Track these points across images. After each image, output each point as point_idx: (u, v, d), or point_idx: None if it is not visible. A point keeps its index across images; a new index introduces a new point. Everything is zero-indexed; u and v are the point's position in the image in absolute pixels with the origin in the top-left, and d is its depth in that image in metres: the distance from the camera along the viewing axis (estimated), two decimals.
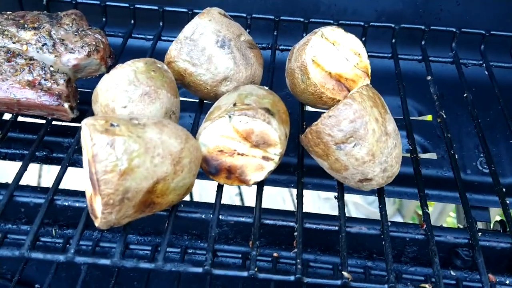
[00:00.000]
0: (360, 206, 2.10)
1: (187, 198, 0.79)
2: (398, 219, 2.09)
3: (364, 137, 0.55)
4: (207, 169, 0.58)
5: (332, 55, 0.66)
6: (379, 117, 0.56)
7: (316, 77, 0.64)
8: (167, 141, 0.51)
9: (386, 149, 0.56)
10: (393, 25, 0.83)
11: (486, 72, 0.80)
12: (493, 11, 0.91)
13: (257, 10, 0.87)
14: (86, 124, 0.50)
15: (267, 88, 0.63)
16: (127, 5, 0.83)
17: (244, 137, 0.56)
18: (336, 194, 0.62)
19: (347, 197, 0.83)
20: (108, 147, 0.48)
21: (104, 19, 0.84)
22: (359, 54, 0.68)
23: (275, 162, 0.58)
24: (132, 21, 0.84)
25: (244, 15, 0.83)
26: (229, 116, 0.55)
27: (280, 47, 0.82)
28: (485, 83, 0.83)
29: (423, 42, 0.83)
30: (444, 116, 0.72)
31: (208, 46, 0.64)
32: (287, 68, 0.68)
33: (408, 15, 0.93)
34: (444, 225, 1.81)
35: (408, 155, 0.76)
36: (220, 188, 0.60)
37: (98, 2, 0.83)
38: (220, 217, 0.58)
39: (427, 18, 0.93)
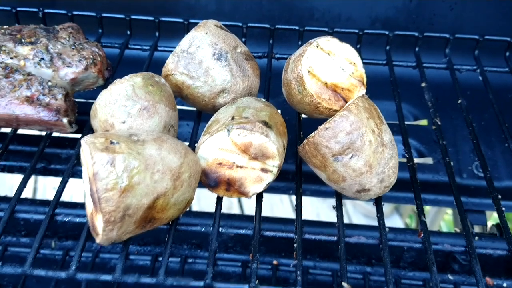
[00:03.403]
0: (358, 205, 2.11)
1: None
2: (396, 218, 2.11)
3: (361, 148, 0.55)
4: (207, 182, 0.59)
5: (327, 65, 0.66)
6: (375, 128, 0.57)
7: (312, 88, 0.65)
8: (166, 156, 0.52)
9: (383, 160, 0.57)
10: (387, 32, 0.83)
11: (480, 78, 0.81)
12: (486, 15, 0.92)
13: (252, 18, 0.88)
14: (86, 142, 0.50)
15: (264, 100, 0.63)
16: (123, 16, 0.83)
17: (243, 150, 0.57)
18: (334, 204, 0.62)
19: None
20: (109, 165, 0.48)
21: (100, 30, 0.84)
22: (354, 63, 0.69)
23: (273, 174, 0.58)
24: (129, 32, 0.84)
25: (240, 24, 0.83)
26: (228, 130, 0.56)
27: (276, 55, 0.83)
28: (480, 87, 0.84)
29: (417, 49, 0.84)
30: (439, 123, 0.73)
31: (205, 59, 0.65)
32: (283, 79, 0.69)
33: (402, 21, 0.94)
34: (442, 223, 1.82)
35: (405, 160, 0.77)
36: (219, 200, 0.61)
37: (94, 14, 0.83)
38: (220, 229, 0.59)
39: (420, 24, 0.94)
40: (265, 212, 0.61)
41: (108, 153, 0.49)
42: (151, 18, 0.83)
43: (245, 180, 0.58)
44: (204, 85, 0.65)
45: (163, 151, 0.52)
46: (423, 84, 0.79)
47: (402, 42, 0.87)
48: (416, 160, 0.90)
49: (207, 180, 0.59)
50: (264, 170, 0.58)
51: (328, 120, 0.57)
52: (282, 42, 0.89)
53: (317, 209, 2.05)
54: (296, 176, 0.65)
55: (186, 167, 0.53)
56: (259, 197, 0.61)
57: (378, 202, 0.62)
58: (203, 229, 0.60)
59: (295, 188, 0.63)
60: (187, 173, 0.53)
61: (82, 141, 0.51)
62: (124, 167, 0.49)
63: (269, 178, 0.58)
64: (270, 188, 0.87)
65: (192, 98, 0.66)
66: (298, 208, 0.61)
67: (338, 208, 0.61)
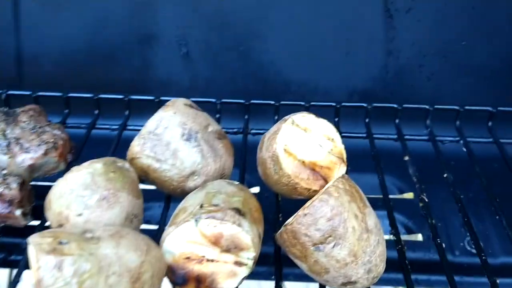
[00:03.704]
0: None
1: None
2: None
3: (344, 236, 0.50)
4: (173, 279, 0.52)
5: (304, 143, 0.62)
6: (358, 212, 0.52)
7: (289, 167, 0.60)
8: (124, 256, 0.46)
9: (369, 248, 0.51)
10: (365, 105, 0.81)
11: (464, 149, 0.78)
12: (465, 85, 0.90)
13: (227, 93, 0.84)
14: (32, 243, 0.44)
15: (237, 183, 0.59)
16: (91, 95, 0.80)
17: (213, 242, 0.51)
18: None
19: None
20: (55, 270, 0.42)
21: (66, 110, 0.80)
22: (332, 139, 0.65)
23: (248, 267, 0.52)
24: (97, 111, 0.80)
25: (214, 100, 0.80)
26: (196, 220, 0.50)
27: (252, 131, 0.79)
28: (464, 157, 0.81)
29: (397, 120, 0.81)
30: (426, 200, 0.68)
31: (173, 140, 0.60)
32: (258, 158, 0.65)
33: (380, 92, 0.92)
34: None
35: (391, 237, 0.72)
36: None
37: (60, 94, 0.80)
38: None
39: (398, 94, 0.92)
40: None
41: (55, 255, 0.43)
42: (121, 96, 0.80)
43: (216, 275, 0.52)
44: (172, 168, 0.60)
45: (120, 249, 0.46)
46: (406, 158, 0.75)
47: (381, 114, 0.84)
48: (404, 238, 0.85)
49: (173, 277, 0.52)
50: (238, 264, 0.52)
51: (307, 204, 0.52)
52: (258, 117, 0.86)
53: None
54: (276, 263, 0.59)
55: (148, 266, 0.47)
56: None
57: None
58: None
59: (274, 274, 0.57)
60: (149, 272, 0.47)
61: (29, 240, 0.45)
62: (73, 271, 0.43)
63: (243, 272, 0.52)
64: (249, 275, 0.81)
65: (160, 182, 0.61)
66: None
67: None
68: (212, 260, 0.52)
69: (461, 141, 0.78)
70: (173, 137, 0.60)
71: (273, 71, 0.90)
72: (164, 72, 0.90)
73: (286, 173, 0.60)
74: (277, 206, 0.66)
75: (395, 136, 0.79)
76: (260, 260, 0.79)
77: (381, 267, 0.53)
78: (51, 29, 0.87)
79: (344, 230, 0.50)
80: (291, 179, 0.60)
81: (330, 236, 0.50)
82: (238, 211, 0.52)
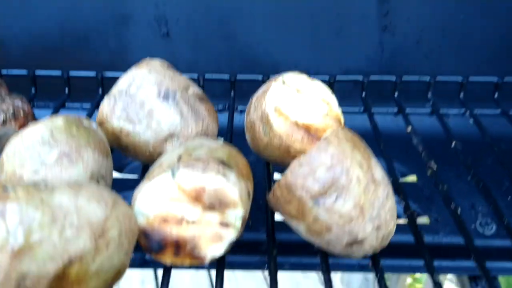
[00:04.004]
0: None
1: None
2: None
3: (347, 186, 0.43)
4: (148, 246, 0.44)
5: (296, 103, 0.55)
6: (363, 161, 0.44)
7: (281, 127, 0.53)
8: (84, 206, 0.38)
9: (377, 201, 0.44)
10: (361, 79, 0.74)
11: (471, 120, 0.71)
12: (465, 60, 0.84)
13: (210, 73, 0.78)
14: None
15: (222, 138, 0.51)
16: (59, 73, 0.73)
17: (194, 198, 0.43)
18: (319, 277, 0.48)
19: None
20: None
21: (33, 90, 0.73)
22: (328, 102, 0.58)
23: (236, 229, 0.44)
24: (67, 90, 0.73)
25: (196, 76, 0.74)
26: (172, 172, 0.43)
27: (238, 108, 0.72)
28: (467, 137, 0.74)
29: (396, 94, 0.75)
30: (434, 169, 0.61)
31: (148, 99, 0.53)
32: (246, 123, 0.58)
33: (375, 72, 0.86)
34: None
35: (401, 221, 0.64)
36: (167, 271, 0.46)
37: (25, 73, 0.72)
38: None
39: (395, 74, 0.86)
40: None
41: None
42: (92, 74, 0.73)
43: (199, 239, 0.44)
44: (147, 130, 0.53)
45: (80, 200, 0.38)
46: (409, 128, 0.68)
47: (379, 91, 0.78)
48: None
49: (148, 243, 0.44)
50: (223, 225, 0.44)
51: (302, 154, 0.45)
52: (245, 96, 0.79)
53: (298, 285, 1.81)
54: (269, 243, 0.50)
55: (114, 222, 0.39)
56: (220, 263, 0.46)
57: (375, 261, 0.48)
58: None
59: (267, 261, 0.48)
60: (116, 229, 0.39)
61: None
62: (19, 219, 0.35)
63: (230, 234, 0.44)
64: (240, 264, 0.72)
65: (133, 147, 0.53)
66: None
67: (325, 271, 0.46)
68: (193, 222, 0.44)
69: (467, 113, 0.72)
70: (148, 96, 0.53)
71: (260, 52, 0.84)
72: (143, 54, 0.82)
73: (277, 134, 0.53)
74: (268, 176, 0.59)
75: (395, 110, 0.73)
76: (252, 248, 0.72)
77: (392, 225, 0.45)
78: (20, 10, 0.80)
79: (347, 180, 0.43)
80: (283, 140, 0.53)
81: (331, 187, 0.42)
82: (223, 162, 0.44)
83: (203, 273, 1.69)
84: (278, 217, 0.77)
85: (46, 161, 0.45)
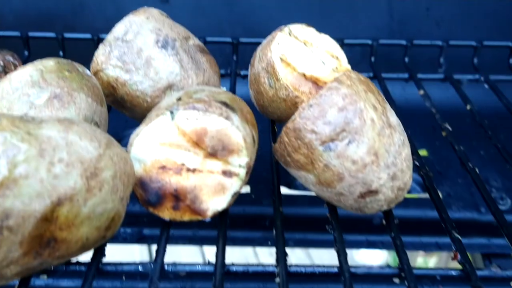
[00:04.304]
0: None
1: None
2: None
3: (361, 130, 0.39)
4: (145, 197, 0.41)
5: (304, 56, 0.52)
6: (377, 104, 0.41)
7: (288, 78, 0.50)
8: (76, 142, 0.34)
9: (393, 147, 0.40)
10: (370, 42, 0.71)
11: (486, 85, 0.68)
12: (479, 29, 0.81)
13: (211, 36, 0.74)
14: None
15: (225, 88, 0.48)
16: (53, 35, 0.69)
17: (195, 142, 0.40)
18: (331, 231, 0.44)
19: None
20: None
21: (26, 53, 0.70)
22: (337, 57, 0.55)
23: (240, 179, 0.41)
24: (61, 53, 0.70)
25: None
26: (171, 112, 0.39)
27: (241, 73, 0.69)
28: (483, 103, 0.71)
29: (406, 59, 0.71)
30: (450, 129, 0.58)
31: (146, 47, 0.50)
32: (250, 76, 0.54)
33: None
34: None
35: (415, 196, 0.61)
36: (165, 226, 0.42)
37: (18, 34, 0.69)
38: (166, 267, 0.40)
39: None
40: None
41: None
42: (88, 36, 0.69)
43: (200, 191, 0.41)
44: (144, 79, 0.49)
45: (71, 135, 0.34)
46: (421, 92, 0.64)
47: (388, 60, 0.75)
48: (421, 196, 0.74)
49: (144, 194, 0.41)
50: (226, 174, 0.40)
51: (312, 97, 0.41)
52: (248, 64, 0.76)
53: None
54: (275, 212, 0.46)
55: (109, 162, 0.36)
56: (223, 218, 0.43)
57: (388, 217, 0.44)
58: (140, 268, 0.40)
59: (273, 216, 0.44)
60: (110, 171, 0.36)
61: None
62: (2, 151, 0.31)
63: (234, 185, 0.41)
64: (242, 240, 0.69)
65: (130, 99, 0.50)
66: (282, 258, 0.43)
67: (335, 228, 0.43)
68: (194, 170, 0.40)
69: (482, 78, 0.68)
70: (146, 44, 0.50)
71: (264, 17, 0.81)
72: None
73: (283, 85, 0.50)
74: (273, 133, 0.55)
75: (406, 76, 0.69)
76: (256, 223, 0.68)
77: (408, 176, 0.42)
78: None
79: (360, 123, 0.39)
80: (289, 91, 0.49)
81: (343, 130, 0.39)
82: (226, 104, 0.41)
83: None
84: (283, 190, 0.74)
85: (36, 103, 0.41)
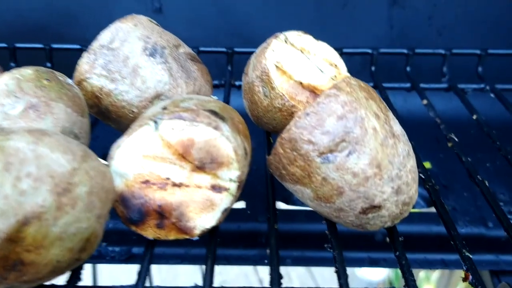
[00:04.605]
0: None
1: None
2: None
3: (362, 139, 0.36)
4: (126, 214, 0.37)
5: (301, 63, 0.49)
6: (379, 112, 0.38)
7: (283, 87, 0.47)
8: (47, 155, 0.31)
9: (397, 158, 0.37)
10: (370, 51, 0.68)
11: (492, 95, 0.65)
12: (482, 38, 0.78)
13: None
14: None
15: (216, 97, 0.45)
16: (40, 45, 0.67)
17: (181, 155, 0.36)
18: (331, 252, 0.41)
19: None
20: None
21: (13, 64, 0.67)
22: (335, 65, 0.52)
23: (231, 194, 0.37)
24: (49, 64, 0.67)
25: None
26: (155, 122, 0.36)
27: (236, 83, 0.66)
28: (489, 114, 0.68)
29: (408, 68, 0.68)
30: (456, 139, 0.54)
31: (133, 55, 0.47)
32: (243, 86, 0.51)
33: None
34: None
35: (420, 210, 0.58)
36: (150, 245, 0.39)
37: (4, 45, 0.66)
38: None
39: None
40: None
41: None
42: (77, 46, 0.67)
43: (186, 207, 0.37)
44: (131, 89, 0.46)
45: (41, 147, 0.31)
46: (425, 102, 0.61)
47: (389, 71, 0.72)
48: (424, 210, 0.71)
49: (126, 211, 0.37)
50: (215, 188, 0.37)
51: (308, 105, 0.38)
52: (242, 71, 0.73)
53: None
54: (270, 230, 0.43)
55: (84, 177, 0.32)
56: (212, 238, 0.40)
57: (393, 235, 0.41)
58: None
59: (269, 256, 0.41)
60: (85, 186, 0.32)
61: None
62: None
63: (224, 200, 0.37)
64: (236, 258, 0.65)
65: (115, 110, 0.47)
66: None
67: (335, 247, 0.40)
68: (180, 185, 0.37)
69: (487, 87, 0.65)
70: (133, 52, 0.47)
71: (260, 27, 0.78)
72: None
73: (279, 94, 0.47)
74: (269, 145, 0.52)
75: (408, 86, 0.66)
76: (251, 240, 0.65)
77: (414, 189, 0.38)
78: None
79: (362, 132, 0.36)
80: (285, 100, 0.46)
81: (343, 141, 0.36)
82: (215, 113, 0.37)
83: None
84: (280, 205, 0.71)
85: (10, 113, 0.38)
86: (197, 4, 0.77)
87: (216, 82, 0.66)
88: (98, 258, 0.62)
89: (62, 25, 0.76)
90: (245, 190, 0.69)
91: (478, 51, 0.68)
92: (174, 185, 0.37)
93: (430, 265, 0.66)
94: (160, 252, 0.61)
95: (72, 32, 0.77)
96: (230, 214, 0.66)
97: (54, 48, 0.66)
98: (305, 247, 0.65)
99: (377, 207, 0.37)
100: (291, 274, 1.74)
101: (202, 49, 0.67)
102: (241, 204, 0.66)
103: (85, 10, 0.77)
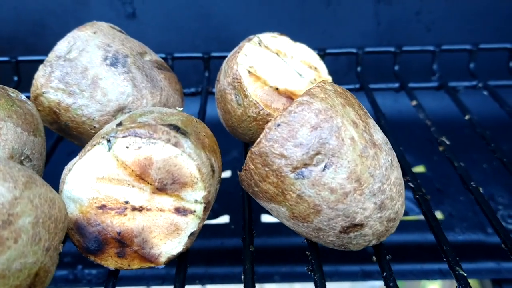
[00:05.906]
0: None
1: None
2: None
3: (339, 151, 0.32)
4: (83, 243, 0.34)
5: (276, 67, 0.46)
6: (357, 120, 0.34)
7: (257, 94, 0.43)
8: None
9: (379, 170, 0.33)
10: (355, 50, 0.65)
11: (485, 92, 0.61)
12: (472, 33, 0.75)
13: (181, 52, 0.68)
14: None
15: (182, 109, 0.41)
16: (6, 58, 0.63)
17: (139, 176, 0.33)
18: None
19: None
20: None
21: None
22: (315, 68, 0.48)
23: (197, 216, 0.34)
24: (16, 78, 0.63)
25: (163, 55, 0.64)
26: (108, 141, 0.32)
27: (213, 89, 0.62)
28: (482, 112, 0.65)
29: (396, 67, 0.65)
30: (448, 143, 0.51)
31: (92, 65, 0.43)
32: (216, 93, 0.48)
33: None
34: None
35: (414, 218, 0.55)
36: (112, 275, 0.35)
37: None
38: None
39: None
40: None
41: None
42: (44, 58, 0.63)
43: (149, 232, 0.34)
44: (90, 102, 0.42)
45: None
46: (414, 103, 0.58)
47: (376, 70, 0.68)
48: (420, 217, 0.67)
49: (82, 240, 0.34)
50: (180, 211, 0.34)
51: (279, 114, 0.35)
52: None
53: None
54: (245, 246, 0.39)
55: (28, 206, 0.29)
56: (181, 265, 0.36)
57: (379, 253, 0.37)
58: None
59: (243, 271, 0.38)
60: (30, 217, 0.29)
61: None
62: None
63: (191, 224, 0.34)
64: (222, 276, 0.62)
65: (75, 126, 0.43)
66: None
67: (315, 270, 0.36)
68: (140, 209, 0.33)
69: (480, 84, 0.62)
70: (92, 62, 0.43)
71: (239, 30, 0.75)
72: None
73: (253, 102, 0.43)
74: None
75: (397, 86, 0.63)
76: (235, 258, 0.61)
77: (400, 203, 0.35)
78: None
79: (338, 143, 0.32)
80: (259, 108, 0.43)
81: (318, 153, 0.32)
82: (176, 128, 0.34)
83: None
84: (267, 218, 0.67)
85: None
86: (172, 8, 0.73)
87: (193, 89, 0.63)
88: (74, 282, 0.58)
89: (30, 35, 0.73)
90: (228, 204, 0.66)
91: (469, 47, 0.64)
92: (134, 209, 0.33)
93: (427, 275, 0.62)
94: (141, 272, 0.58)
95: (41, 42, 0.74)
96: (213, 230, 0.62)
97: (21, 60, 0.63)
98: (293, 262, 0.61)
99: (359, 226, 0.33)
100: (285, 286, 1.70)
101: (176, 55, 0.64)
102: (224, 219, 0.63)
103: (54, 19, 0.73)
